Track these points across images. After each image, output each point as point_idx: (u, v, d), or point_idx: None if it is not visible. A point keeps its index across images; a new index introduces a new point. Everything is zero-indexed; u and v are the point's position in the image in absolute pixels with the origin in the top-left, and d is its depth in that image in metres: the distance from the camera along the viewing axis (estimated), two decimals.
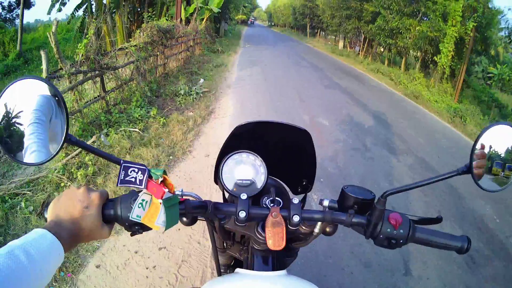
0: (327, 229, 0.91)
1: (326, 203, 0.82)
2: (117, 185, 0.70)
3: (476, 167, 0.66)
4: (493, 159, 0.67)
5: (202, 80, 7.92)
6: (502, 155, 0.67)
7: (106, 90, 5.08)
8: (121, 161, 0.67)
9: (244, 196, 0.79)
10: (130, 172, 0.67)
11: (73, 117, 4.21)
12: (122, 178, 0.66)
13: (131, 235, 0.72)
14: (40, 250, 0.54)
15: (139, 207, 0.66)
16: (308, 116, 6.42)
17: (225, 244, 1.13)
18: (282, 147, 1.12)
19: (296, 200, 0.80)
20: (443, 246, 0.74)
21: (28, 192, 3.09)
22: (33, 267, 0.51)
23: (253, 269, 0.88)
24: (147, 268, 2.45)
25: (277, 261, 0.93)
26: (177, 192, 0.73)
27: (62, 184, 3.25)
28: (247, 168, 0.97)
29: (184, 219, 0.89)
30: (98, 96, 4.84)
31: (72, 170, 3.42)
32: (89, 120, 4.52)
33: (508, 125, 0.66)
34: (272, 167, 1.02)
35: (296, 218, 0.76)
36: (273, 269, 0.88)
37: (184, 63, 9.58)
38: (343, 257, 2.80)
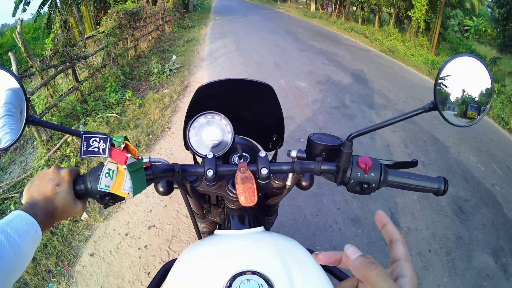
0: (303, 183, 0.92)
1: (294, 153, 0.79)
2: (80, 156, 0.70)
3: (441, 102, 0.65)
4: (467, 102, 0.65)
5: (174, 57, 7.75)
6: (476, 98, 0.65)
7: (79, 80, 5.00)
8: (82, 132, 0.66)
9: (210, 155, 0.78)
10: (92, 142, 0.66)
11: (50, 112, 4.18)
12: (84, 149, 0.66)
13: (104, 207, 0.73)
14: (17, 229, 0.56)
15: (106, 177, 0.67)
16: (284, 79, 6.38)
17: (204, 210, 1.13)
18: (248, 105, 1.10)
19: (263, 153, 0.79)
20: (419, 188, 0.72)
21: (16, 195, 3.09)
22: (11, 245, 0.54)
23: (230, 229, 0.89)
24: (139, 249, 2.48)
25: (254, 219, 0.94)
26: (145, 160, 0.73)
27: None
28: (214, 129, 0.96)
29: (160, 188, 0.90)
30: (72, 87, 4.77)
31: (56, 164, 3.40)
32: (66, 113, 4.47)
33: (470, 57, 0.64)
34: (241, 126, 1.02)
35: (264, 171, 0.75)
36: (250, 227, 0.87)
37: (155, 42, 9.33)
38: (330, 214, 2.85)
